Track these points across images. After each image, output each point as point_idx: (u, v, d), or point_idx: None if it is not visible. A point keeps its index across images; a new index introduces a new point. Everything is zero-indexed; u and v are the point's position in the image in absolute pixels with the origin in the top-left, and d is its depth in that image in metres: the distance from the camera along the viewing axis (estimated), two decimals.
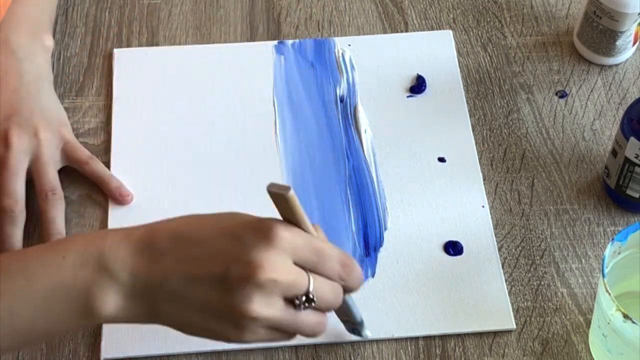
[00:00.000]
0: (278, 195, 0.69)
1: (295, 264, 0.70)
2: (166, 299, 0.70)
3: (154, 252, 0.70)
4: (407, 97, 0.99)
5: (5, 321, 0.69)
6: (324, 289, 0.71)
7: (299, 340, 0.83)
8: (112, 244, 0.70)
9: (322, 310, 0.73)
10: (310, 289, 0.70)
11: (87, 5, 1.06)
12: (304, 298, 0.70)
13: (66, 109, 0.96)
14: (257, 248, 0.68)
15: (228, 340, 0.71)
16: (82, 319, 0.70)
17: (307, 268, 0.70)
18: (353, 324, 0.81)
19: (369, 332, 0.82)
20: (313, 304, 0.70)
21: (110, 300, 0.70)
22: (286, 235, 0.69)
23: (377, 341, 0.84)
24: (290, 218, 0.71)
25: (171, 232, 0.71)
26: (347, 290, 0.74)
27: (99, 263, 0.70)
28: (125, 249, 0.70)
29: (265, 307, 0.68)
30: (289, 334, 0.72)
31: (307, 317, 0.71)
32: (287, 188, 0.68)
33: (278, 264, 0.68)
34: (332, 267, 0.72)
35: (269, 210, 0.91)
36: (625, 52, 1.01)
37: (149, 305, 0.70)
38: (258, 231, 0.69)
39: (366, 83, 1.00)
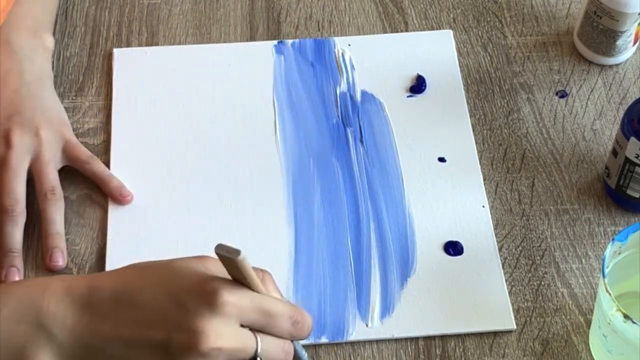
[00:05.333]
0: (227, 258, 0.66)
1: (243, 326, 0.67)
2: None
3: (95, 313, 0.67)
4: (407, 97, 0.99)
5: None
6: (273, 349, 0.69)
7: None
8: (50, 300, 0.67)
9: None
10: (258, 352, 0.67)
11: (87, 5, 1.06)
12: None
13: (66, 108, 0.96)
14: (200, 315, 0.65)
15: None
16: None
17: (255, 329, 0.68)
18: None
19: None
20: None
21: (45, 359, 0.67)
22: (231, 299, 0.66)
23: (377, 341, 0.84)
24: (239, 279, 0.68)
25: (112, 292, 0.68)
26: (296, 339, 0.72)
27: (37, 320, 0.67)
28: (65, 307, 0.67)
29: None
30: None
31: None
32: (237, 252, 0.65)
33: (222, 331, 0.65)
34: (282, 326, 0.69)
35: (269, 208, 0.91)
36: (626, 52, 1.01)
37: None
38: (201, 296, 0.66)
39: (366, 83, 1.00)
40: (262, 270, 0.71)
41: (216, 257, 0.67)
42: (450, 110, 0.98)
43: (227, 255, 0.65)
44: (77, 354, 0.67)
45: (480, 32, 1.05)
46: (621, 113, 0.97)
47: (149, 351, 0.66)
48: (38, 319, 0.67)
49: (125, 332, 0.66)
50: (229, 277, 0.68)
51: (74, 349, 0.67)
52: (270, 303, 0.68)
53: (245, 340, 0.67)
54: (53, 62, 1.00)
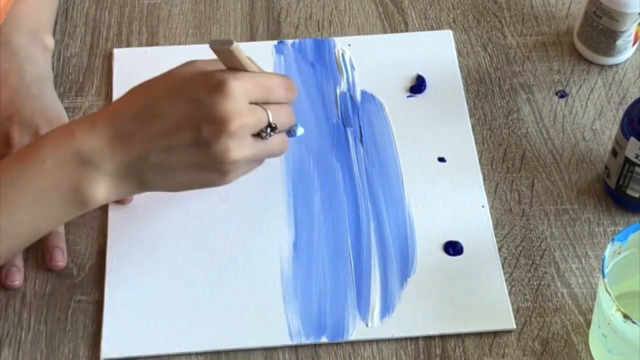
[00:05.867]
0: (223, 50, 0.76)
1: (251, 103, 0.77)
2: (151, 171, 0.77)
3: (124, 136, 0.76)
4: (407, 97, 0.99)
5: (9, 229, 0.76)
6: (280, 115, 0.79)
7: (299, 340, 0.83)
8: (82, 139, 0.75)
9: (282, 131, 0.81)
10: (271, 120, 0.78)
11: (87, 5, 1.06)
12: (268, 129, 0.78)
13: (66, 108, 0.96)
14: (217, 104, 0.75)
15: (215, 184, 0.80)
16: (78, 209, 0.77)
17: (261, 103, 0.78)
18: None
19: (301, 128, 0.85)
20: (276, 131, 0.79)
21: (100, 187, 0.76)
22: (237, 83, 0.76)
23: (377, 341, 0.84)
24: (235, 66, 0.78)
25: (132, 114, 0.77)
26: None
27: (79, 158, 0.75)
28: (96, 139, 0.75)
29: (241, 149, 0.77)
30: (262, 160, 0.82)
31: (273, 142, 0.80)
32: (231, 41, 0.76)
33: (240, 110, 0.75)
34: (280, 94, 0.79)
35: (269, 208, 0.91)
36: (625, 52, 1.01)
37: (137, 180, 0.78)
38: (212, 88, 0.75)
39: (366, 83, 1.00)
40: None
41: (202, 59, 0.79)
42: (450, 110, 0.98)
43: (223, 46, 0.76)
44: (125, 174, 0.77)
45: (480, 32, 1.05)
46: (621, 113, 0.97)
47: (186, 149, 0.76)
48: (79, 157, 0.75)
49: (158, 142, 0.76)
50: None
51: (120, 171, 0.76)
52: (266, 77, 0.79)
53: (259, 113, 0.77)
54: (53, 62, 1.00)
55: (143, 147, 0.76)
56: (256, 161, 0.81)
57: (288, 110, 0.81)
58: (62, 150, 0.75)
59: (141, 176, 0.77)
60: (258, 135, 0.78)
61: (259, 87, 0.78)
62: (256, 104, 0.78)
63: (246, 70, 0.78)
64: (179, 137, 0.76)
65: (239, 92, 0.76)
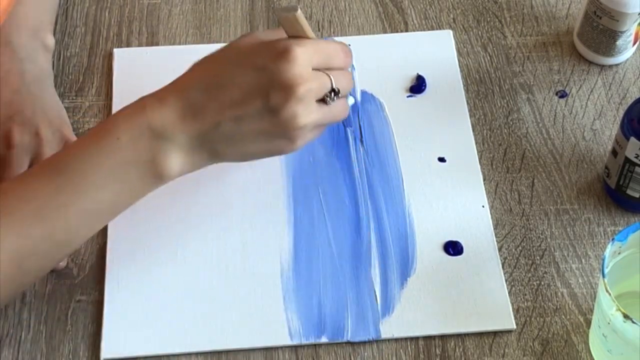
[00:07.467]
0: (287, 17, 0.78)
1: (314, 69, 0.78)
2: (223, 141, 0.78)
3: (194, 108, 0.77)
4: (407, 97, 0.99)
5: (92, 207, 0.77)
6: (341, 80, 0.81)
7: (299, 340, 0.83)
8: (153, 114, 0.77)
9: (344, 95, 0.82)
10: (334, 85, 0.79)
11: (87, 5, 1.06)
12: (332, 94, 0.80)
13: (66, 108, 0.96)
14: (284, 71, 0.76)
15: (283, 152, 0.81)
16: (155, 183, 0.79)
17: (323, 69, 0.79)
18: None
19: (351, 98, 0.86)
20: (339, 95, 0.80)
21: (175, 160, 0.78)
22: (300, 49, 0.77)
23: (377, 341, 0.84)
24: (297, 34, 0.79)
25: (200, 87, 0.78)
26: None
27: (152, 133, 0.77)
28: (167, 114, 0.77)
29: (308, 114, 0.78)
30: (326, 125, 0.83)
31: (336, 106, 0.81)
32: (295, 7, 0.77)
33: (306, 75, 0.77)
34: (339, 59, 0.81)
35: (269, 208, 0.91)
36: (626, 52, 1.01)
37: (209, 151, 0.79)
38: (277, 56, 0.77)
39: (366, 83, 1.00)
40: None
41: (256, 31, 0.82)
42: (450, 110, 0.98)
43: (288, 13, 0.78)
44: (198, 145, 0.78)
45: (480, 32, 1.05)
46: (621, 113, 0.97)
47: (256, 118, 0.77)
48: (152, 131, 0.77)
49: (228, 112, 0.77)
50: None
51: (192, 143, 0.78)
52: (326, 44, 0.81)
53: (322, 78, 0.79)
54: (53, 62, 1.00)
55: (213, 118, 0.77)
56: (321, 126, 0.82)
57: (348, 75, 0.82)
58: (135, 126, 0.77)
59: (213, 147, 0.79)
60: (322, 100, 0.79)
61: (320, 53, 0.79)
62: (318, 70, 0.79)
63: (305, 35, 0.79)
64: (248, 106, 0.77)
65: (303, 58, 0.77)
